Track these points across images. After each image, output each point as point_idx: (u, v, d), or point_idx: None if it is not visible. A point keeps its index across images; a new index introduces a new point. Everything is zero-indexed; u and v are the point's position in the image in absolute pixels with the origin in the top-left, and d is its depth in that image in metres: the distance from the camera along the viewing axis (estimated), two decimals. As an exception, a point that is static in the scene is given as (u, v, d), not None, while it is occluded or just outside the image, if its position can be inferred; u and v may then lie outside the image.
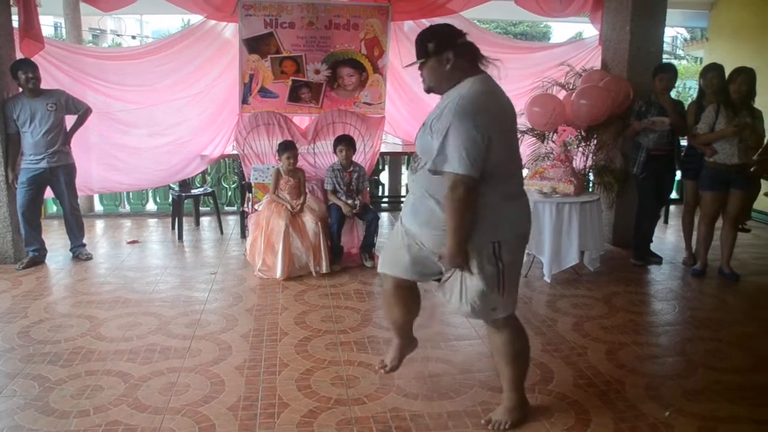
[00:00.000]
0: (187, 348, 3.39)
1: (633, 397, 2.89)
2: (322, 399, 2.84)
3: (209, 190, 6.44)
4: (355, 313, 3.96)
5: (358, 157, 5.38)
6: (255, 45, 5.38)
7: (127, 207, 7.13)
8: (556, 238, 4.47)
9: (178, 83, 5.70)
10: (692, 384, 3.03)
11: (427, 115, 2.45)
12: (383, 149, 5.96)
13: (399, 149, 6.54)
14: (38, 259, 4.99)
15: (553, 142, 5.17)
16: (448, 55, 2.36)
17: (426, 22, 5.78)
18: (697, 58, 16.23)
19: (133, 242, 5.77)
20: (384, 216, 6.88)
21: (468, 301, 2.40)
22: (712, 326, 3.80)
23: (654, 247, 5.24)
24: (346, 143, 5.01)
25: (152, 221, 6.74)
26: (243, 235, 5.81)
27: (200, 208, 6.65)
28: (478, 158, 2.21)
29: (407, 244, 2.53)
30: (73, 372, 3.09)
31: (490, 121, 2.26)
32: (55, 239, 5.65)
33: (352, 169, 5.04)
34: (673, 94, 5.07)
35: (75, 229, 5.17)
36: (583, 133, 5.27)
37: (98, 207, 7.10)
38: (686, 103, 5.08)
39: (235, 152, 5.74)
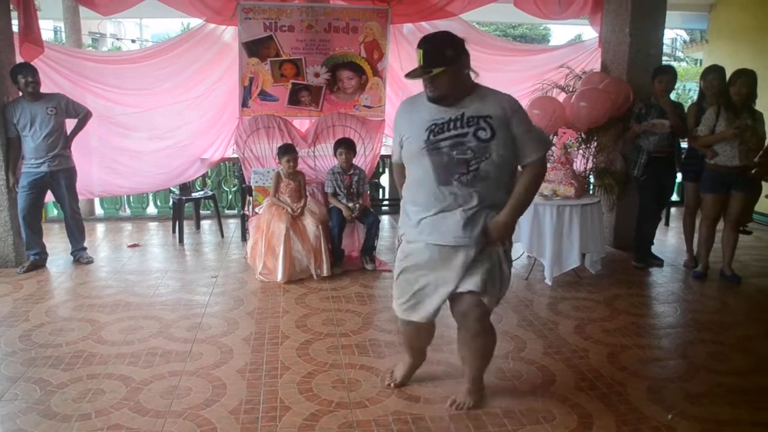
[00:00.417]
0: (189, 351, 3.39)
1: (635, 399, 2.89)
2: (324, 402, 2.84)
3: (210, 193, 6.44)
4: (356, 316, 3.96)
5: (358, 160, 5.38)
6: (255, 48, 5.39)
7: (128, 210, 7.12)
8: (557, 241, 4.47)
9: (178, 87, 5.72)
10: (694, 387, 3.03)
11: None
12: (383, 152, 5.96)
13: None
14: (39, 262, 4.99)
15: (554, 144, 5.17)
16: (466, 59, 2.40)
17: (426, 25, 5.80)
18: (696, 60, 16.27)
19: (134, 246, 5.76)
20: (384, 219, 6.88)
21: (500, 290, 2.58)
22: (713, 329, 3.80)
23: (655, 249, 5.24)
24: (346, 146, 5.01)
25: (153, 225, 6.74)
26: (244, 238, 5.81)
27: (201, 212, 6.65)
28: None
29: (438, 274, 2.54)
30: (74, 375, 3.08)
31: None
32: (56, 243, 5.65)
33: (352, 172, 5.04)
34: (672, 96, 5.07)
35: (76, 232, 5.17)
36: (583, 136, 5.28)
37: (99, 210, 7.10)
38: (686, 106, 5.08)
39: (235, 155, 5.75)
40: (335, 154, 5.08)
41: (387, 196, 7.55)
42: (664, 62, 5.95)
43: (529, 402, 2.86)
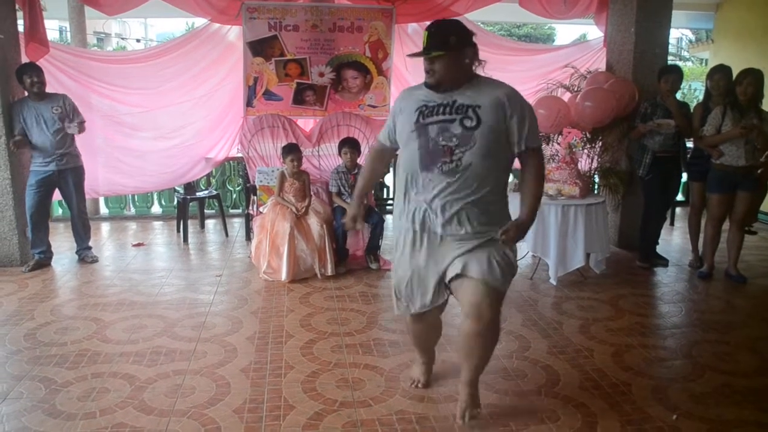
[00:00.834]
0: (193, 350, 3.39)
1: (640, 399, 2.88)
2: (328, 401, 2.84)
3: (214, 192, 6.45)
4: (360, 315, 3.96)
5: (362, 160, 5.38)
6: (259, 48, 5.40)
7: (133, 210, 7.15)
8: (562, 241, 4.46)
9: (182, 86, 5.73)
10: (699, 387, 3.02)
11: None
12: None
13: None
14: (44, 261, 5.01)
15: (558, 144, 5.16)
16: (470, 50, 2.40)
17: (430, 25, 5.79)
18: (702, 59, 16.21)
19: (139, 245, 5.78)
20: (389, 218, 6.86)
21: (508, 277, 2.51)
22: (719, 329, 3.78)
23: (660, 249, 5.23)
24: (350, 146, 5.01)
25: (157, 224, 6.75)
26: (248, 237, 5.81)
27: (205, 211, 6.66)
28: None
29: (436, 260, 2.51)
30: (79, 374, 3.09)
31: None
32: (61, 242, 5.67)
33: (356, 171, 5.03)
34: (678, 95, 5.05)
35: (81, 231, 5.19)
36: (588, 135, 5.27)
37: (104, 210, 7.12)
38: (692, 105, 5.06)
39: (239, 155, 5.76)
40: (340, 154, 5.08)
41: (392, 196, 7.55)
42: (669, 62, 5.92)
43: (533, 401, 2.86)
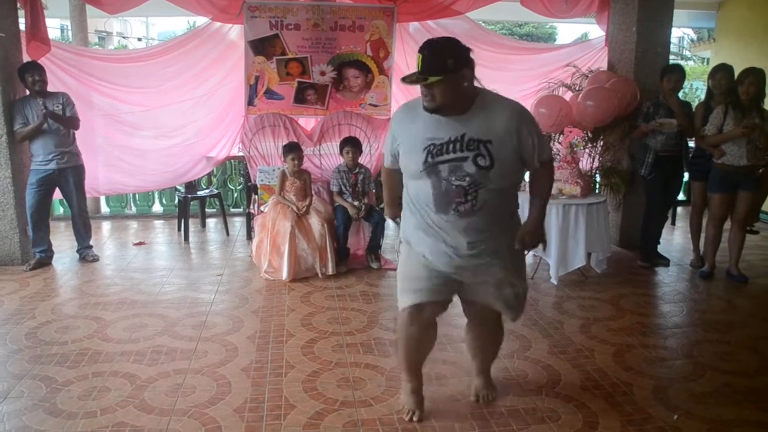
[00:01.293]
0: (194, 349, 3.39)
1: (641, 399, 2.88)
2: (329, 401, 2.84)
3: (215, 191, 6.45)
4: (361, 314, 3.95)
5: (363, 159, 5.38)
6: (261, 47, 5.40)
7: (134, 209, 7.15)
8: (563, 240, 4.46)
9: (183, 85, 5.72)
10: (700, 387, 3.02)
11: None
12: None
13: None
14: (45, 260, 5.01)
15: (560, 143, 5.15)
16: (468, 71, 2.24)
17: (432, 24, 5.79)
18: (704, 58, 16.15)
19: (140, 244, 5.78)
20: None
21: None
22: (720, 328, 3.78)
23: (661, 248, 5.22)
24: (351, 145, 5.01)
25: (158, 223, 6.76)
26: (249, 236, 5.82)
27: (206, 210, 6.66)
28: None
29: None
30: (80, 373, 3.09)
31: None
32: (62, 241, 5.67)
33: (357, 170, 5.04)
34: (680, 95, 5.04)
35: (82, 230, 5.19)
36: (589, 135, 5.26)
37: (104, 209, 7.12)
38: (693, 105, 5.05)
39: (240, 154, 5.76)
40: (341, 153, 5.08)
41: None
42: (671, 61, 5.92)
43: (534, 401, 2.85)
